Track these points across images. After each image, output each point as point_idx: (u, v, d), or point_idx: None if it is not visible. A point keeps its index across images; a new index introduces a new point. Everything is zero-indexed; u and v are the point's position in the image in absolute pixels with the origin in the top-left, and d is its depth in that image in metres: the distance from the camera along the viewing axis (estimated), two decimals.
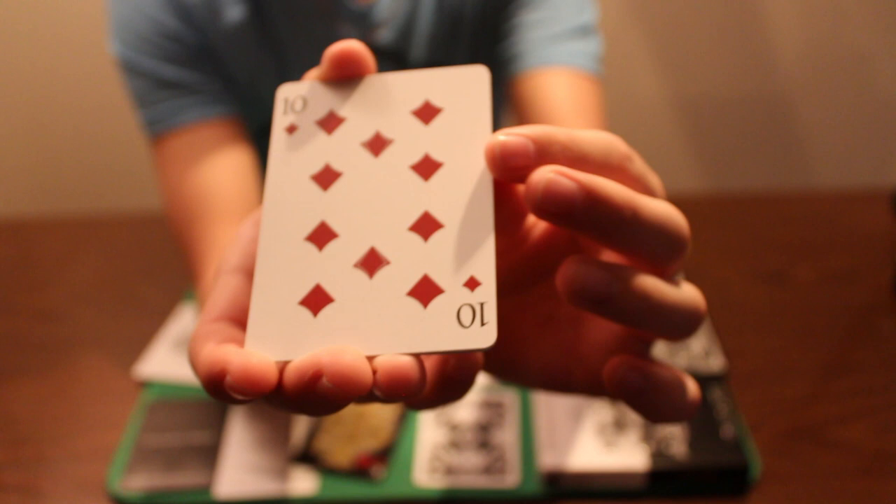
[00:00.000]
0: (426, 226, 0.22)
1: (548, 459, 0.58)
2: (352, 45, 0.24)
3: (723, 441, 0.59)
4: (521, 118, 0.68)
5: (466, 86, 0.25)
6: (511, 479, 0.58)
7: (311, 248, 0.23)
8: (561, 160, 0.22)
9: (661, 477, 0.57)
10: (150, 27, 0.63)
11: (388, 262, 0.22)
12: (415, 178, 0.23)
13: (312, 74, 0.26)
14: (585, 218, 0.21)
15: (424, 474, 0.59)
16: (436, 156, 0.24)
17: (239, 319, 0.24)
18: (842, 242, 0.86)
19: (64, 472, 0.63)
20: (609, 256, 0.27)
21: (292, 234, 0.23)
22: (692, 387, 0.26)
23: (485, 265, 0.21)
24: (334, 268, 0.22)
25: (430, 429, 0.63)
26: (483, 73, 0.25)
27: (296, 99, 0.25)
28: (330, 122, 0.25)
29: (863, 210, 0.92)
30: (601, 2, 0.71)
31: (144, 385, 0.70)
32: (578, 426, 0.60)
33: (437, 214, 0.22)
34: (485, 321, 0.20)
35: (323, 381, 0.19)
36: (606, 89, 0.69)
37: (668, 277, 0.24)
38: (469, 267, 0.21)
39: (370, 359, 0.20)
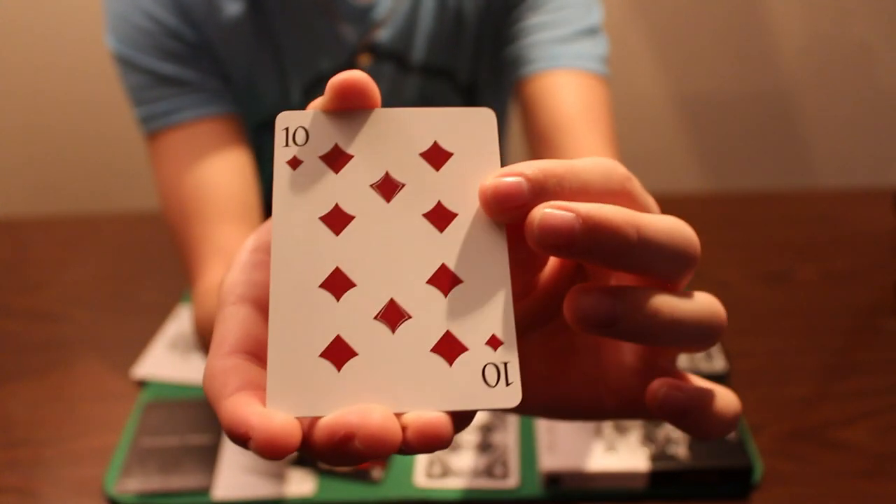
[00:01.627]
0: (444, 279, 0.22)
1: (548, 461, 0.57)
2: (357, 76, 0.24)
3: (725, 442, 0.58)
4: (529, 121, 0.67)
5: (474, 129, 0.24)
6: (511, 480, 0.58)
7: (327, 296, 0.22)
8: (560, 193, 0.21)
9: (663, 478, 0.57)
10: (147, 23, 0.62)
11: (409, 317, 0.22)
12: (429, 228, 0.23)
13: (315, 104, 0.25)
14: (588, 245, 0.21)
15: (424, 476, 0.59)
16: (449, 205, 0.23)
17: (253, 352, 0.23)
18: (845, 242, 0.86)
19: (61, 475, 0.62)
20: (620, 280, 0.26)
21: (306, 280, 0.23)
22: (733, 399, 0.25)
23: (505, 323, 0.22)
24: (354, 319, 0.22)
25: None
26: (490, 116, 0.24)
27: (297, 130, 0.24)
28: (336, 159, 0.24)
29: (866, 210, 0.91)
30: (603, 0, 0.70)
31: (142, 386, 0.70)
32: (579, 427, 0.60)
33: (454, 268, 0.22)
34: (510, 381, 0.21)
35: (354, 442, 0.20)
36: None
37: (679, 290, 0.24)
38: (489, 325, 0.22)
39: (398, 415, 0.20)
